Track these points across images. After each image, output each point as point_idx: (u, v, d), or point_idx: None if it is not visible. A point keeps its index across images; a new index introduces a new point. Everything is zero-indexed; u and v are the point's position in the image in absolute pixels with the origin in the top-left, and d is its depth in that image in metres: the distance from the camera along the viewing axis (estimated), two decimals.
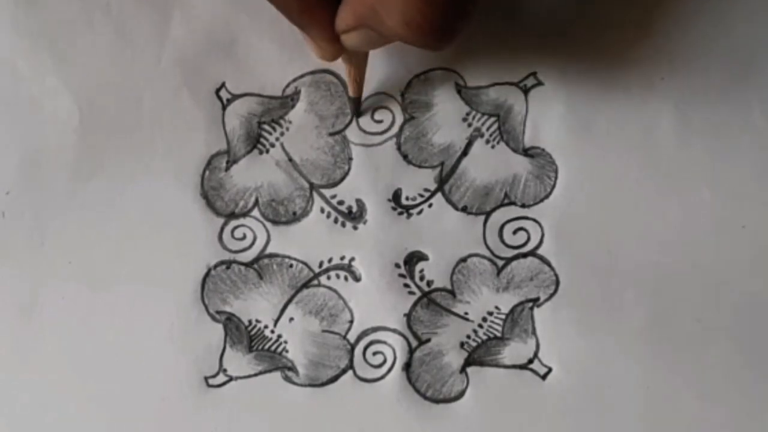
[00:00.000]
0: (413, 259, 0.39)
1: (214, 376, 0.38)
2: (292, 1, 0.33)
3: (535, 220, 0.39)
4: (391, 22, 0.31)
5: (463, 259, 0.39)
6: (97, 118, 0.39)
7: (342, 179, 0.39)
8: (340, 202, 0.39)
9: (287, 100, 0.39)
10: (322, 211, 0.39)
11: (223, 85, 0.39)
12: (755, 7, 0.39)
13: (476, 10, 0.32)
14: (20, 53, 0.39)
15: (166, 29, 0.39)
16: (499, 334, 0.39)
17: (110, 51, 0.39)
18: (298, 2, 0.33)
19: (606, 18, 0.39)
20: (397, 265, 0.39)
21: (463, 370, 0.38)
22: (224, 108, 0.39)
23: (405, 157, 0.39)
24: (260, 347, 0.39)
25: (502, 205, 0.39)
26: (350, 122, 0.39)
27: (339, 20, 0.33)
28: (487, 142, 0.39)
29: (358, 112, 0.39)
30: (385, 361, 0.38)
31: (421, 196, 0.39)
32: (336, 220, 0.39)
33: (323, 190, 0.39)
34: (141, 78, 0.39)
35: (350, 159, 0.39)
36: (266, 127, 0.39)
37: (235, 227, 0.39)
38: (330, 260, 0.39)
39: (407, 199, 0.39)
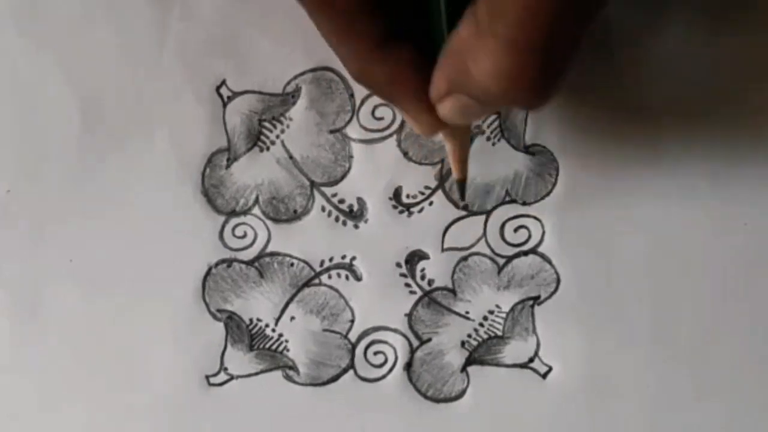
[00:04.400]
0: (414, 258, 0.39)
1: (215, 375, 0.38)
2: (380, 72, 0.32)
3: (536, 218, 0.39)
4: (482, 76, 0.29)
5: (464, 258, 0.39)
6: (97, 116, 0.39)
7: (343, 177, 0.39)
8: (341, 201, 0.39)
9: (288, 98, 0.39)
10: (323, 209, 0.39)
11: (223, 82, 0.39)
12: None
13: (573, 63, 0.29)
14: (20, 51, 0.39)
15: (166, 27, 0.39)
16: (499, 333, 0.39)
17: (110, 49, 0.39)
18: (386, 74, 0.32)
19: (607, 17, 0.38)
20: (398, 265, 0.39)
21: (463, 369, 0.38)
22: (225, 105, 0.39)
23: (405, 154, 0.39)
24: (261, 346, 0.39)
25: (503, 202, 0.39)
26: (351, 120, 0.39)
27: (432, 88, 0.32)
28: (488, 139, 0.39)
29: (464, 196, 0.38)
30: (386, 360, 0.38)
31: (422, 193, 0.39)
32: (337, 219, 0.39)
33: (324, 188, 0.39)
34: (141, 76, 0.39)
35: (351, 157, 0.39)
36: (267, 124, 0.39)
37: (236, 225, 0.39)
38: (331, 259, 0.39)
39: (408, 197, 0.39)
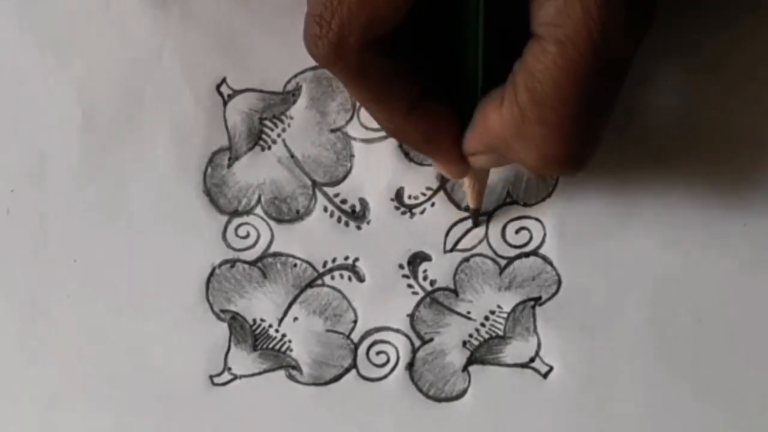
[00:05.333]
0: (416, 259, 0.39)
1: (218, 375, 0.39)
2: (415, 131, 0.33)
3: (537, 220, 0.39)
4: (529, 159, 0.31)
5: (466, 259, 0.39)
6: (99, 116, 0.39)
7: (344, 177, 0.39)
8: (343, 201, 0.39)
9: (288, 96, 0.39)
10: (326, 210, 0.39)
11: (224, 80, 0.39)
12: None
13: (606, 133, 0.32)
14: (22, 52, 0.39)
15: (166, 26, 0.39)
16: (501, 333, 0.39)
17: (111, 49, 0.39)
18: (421, 132, 0.33)
19: None
20: (401, 266, 0.39)
21: (465, 369, 0.39)
22: (225, 104, 0.39)
23: (407, 154, 0.39)
24: (264, 346, 0.39)
25: (504, 204, 0.39)
26: (351, 119, 0.39)
27: (467, 145, 0.34)
28: None
29: (478, 223, 0.39)
30: (388, 360, 0.39)
31: (424, 194, 0.39)
32: (339, 220, 0.39)
33: (326, 188, 0.39)
34: (142, 75, 0.39)
35: (352, 156, 0.39)
36: (268, 123, 0.39)
37: (239, 225, 0.39)
38: (334, 260, 0.39)
39: (410, 197, 0.39)
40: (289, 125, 0.39)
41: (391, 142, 0.39)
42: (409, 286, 0.39)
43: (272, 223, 0.39)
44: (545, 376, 0.39)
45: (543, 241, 0.39)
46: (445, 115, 0.34)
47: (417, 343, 0.39)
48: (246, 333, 0.39)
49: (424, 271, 0.39)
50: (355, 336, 0.39)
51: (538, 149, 0.31)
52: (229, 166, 0.39)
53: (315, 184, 0.39)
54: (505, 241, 0.39)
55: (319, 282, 0.39)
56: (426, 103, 0.33)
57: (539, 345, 0.39)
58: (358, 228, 0.39)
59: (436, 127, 0.33)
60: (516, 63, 0.31)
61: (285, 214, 0.39)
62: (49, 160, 0.39)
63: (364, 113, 0.39)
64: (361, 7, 0.30)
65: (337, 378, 0.39)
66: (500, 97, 0.31)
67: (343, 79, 0.32)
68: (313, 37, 0.31)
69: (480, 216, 0.39)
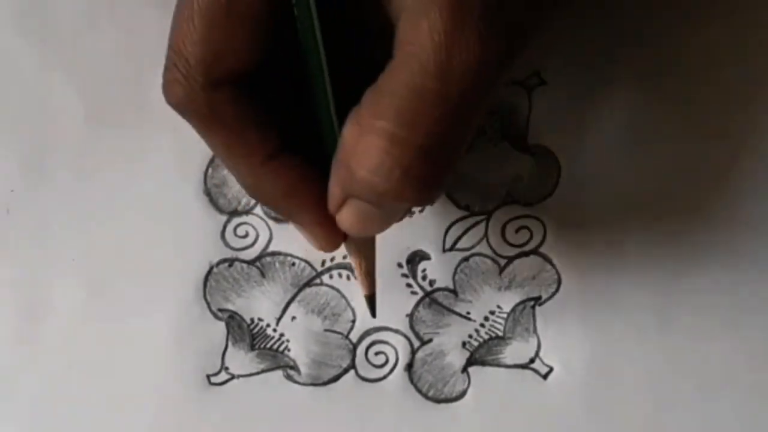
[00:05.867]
0: (416, 258, 0.39)
1: (216, 374, 0.39)
2: (273, 186, 0.31)
3: (537, 219, 0.39)
4: (365, 173, 0.28)
5: (465, 259, 0.39)
6: (100, 116, 0.39)
7: None
8: None
9: None
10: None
11: None
12: None
13: (458, 161, 0.29)
14: (24, 51, 0.39)
15: (169, 27, 0.39)
16: (500, 334, 0.39)
17: (114, 49, 0.39)
18: (280, 187, 0.31)
19: (609, 18, 0.38)
20: (400, 265, 0.39)
21: (464, 369, 0.38)
22: None
23: None
24: (262, 346, 0.39)
25: (504, 203, 0.39)
26: None
27: (329, 198, 0.31)
28: (490, 140, 0.39)
29: (374, 312, 0.36)
30: (387, 361, 0.38)
31: None
32: None
33: None
34: (145, 76, 0.39)
35: None
36: None
37: (238, 225, 0.39)
38: (332, 259, 0.39)
39: None
40: None
41: None
42: (408, 285, 0.39)
43: (271, 222, 0.39)
44: (545, 377, 0.38)
45: (543, 241, 0.39)
46: (307, 171, 0.31)
47: (416, 343, 0.39)
48: (244, 332, 0.39)
49: (423, 270, 0.39)
50: (354, 336, 0.39)
51: (372, 162, 0.28)
52: None
53: None
54: (505, 240, 0.39)
55: (318, 281, 0.39)
56: (285, 156, 0.31)
57: (539, 346, 0.38)
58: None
59: (296, 182, 0.31)
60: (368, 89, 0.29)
61: None
62: (49, 160, 0.39)
63: None
64: (204, 44, 0.29)
65: (335, 378, 0.38)
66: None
67: (196, 125, 0.30)
68: (166, 83, 0.30)
69: (374, 305, 0.36)
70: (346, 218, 0.31)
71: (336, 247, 0.33)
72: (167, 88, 0.30)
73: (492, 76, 0.28)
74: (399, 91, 0.27)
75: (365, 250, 0.34)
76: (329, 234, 0.32)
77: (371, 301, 0.35)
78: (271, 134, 0.31)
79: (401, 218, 0.37)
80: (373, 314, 0.36)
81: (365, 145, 0.28)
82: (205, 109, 0.30)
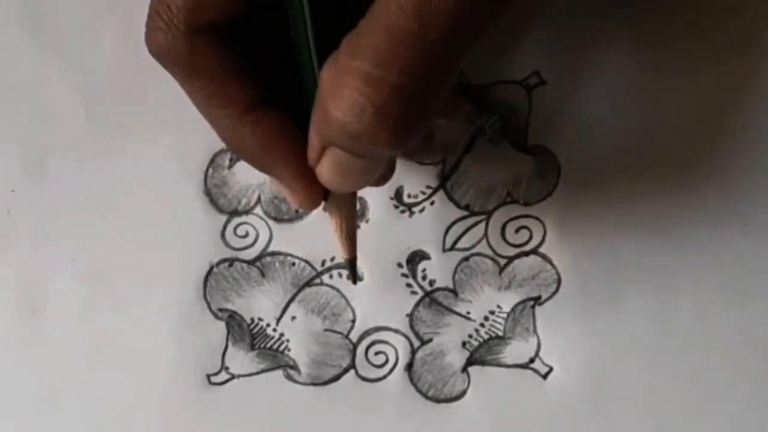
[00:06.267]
0: (416, 258, 0.39)
1: (216, 374, 0.39)
2: (252, 138, 0.30)
3: (537, 219, 0.39)
4: (340, 114, 0.27)
5: (465, 258, 0.39)
6: (101, 117, 0.39)
7: None
8: None
9: None
10: (325, 209, 0.39)
11: None
12: None
13: (434, 112, 0.28)
14: (26, 51, 0.39)
15: None
16: (500, 334, 0.39)
17: (115, 49, 0.39)
18: (258, 139, 0.30)
19: (609, 17, 0.38)
20: (400, 265, 0.39)
21: (464, 369, 0.38)
22: None
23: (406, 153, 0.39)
24: (262, 345, 0.39)
25: (504, 203, 0.39)
26: None
27: (308, 150, 0.30)
28: (490, 139, 0.39)
29: (355, 278, 0.35)
30: (387, 360, 0.38)
31: (423, 193, 0.39)
32: None
33: None
34: (145, 76, 0.39)
35: None
36: None
37: (238, 225, 0.39)
38: (332, 259, 0.39)
39: (409, 196, 0.39)
40: None
41: None
42: (408, 285, 0.39)
43: (271, 222, 0.39)
44: (545, 377, 0.38)
45: (543, 240, 0.39)
46: (285, 124, 0.30)
47: (416, 343, 0.39)
48: (244, 332, 0.39)
49: (423, 270, 0.39)
50: (354, 336, 0.39)
51: (350, 99, 0.27)
52: (230, 166, 0.39)
53: None
54: (505, 240, 0.39)
55: (318, 281, 0.39)
56: (264, 109, 0.30)
57: (539, 345, 0.38)
58: (357, 227, 0.39)
59: (275, 135, 0.30)
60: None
61: (284, 213, 0.39)
62: (49, 160, 0.39)
63: None
64: None
65: (335, 378, 0.38)
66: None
67: (177, 74, 0.30)
68: (148, 32, 0.30)
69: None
70: (325, 170, 0.30)
71: (316, 204, 0.32)
72: (149, 36, 0.30)
73: (472, 22, 0.27)
74: (376, 31, 0.27)
75: (346, 210, 0.33)
76: (309, 189, 0.31)
77: (352, 264, 0.34)
78: (251, 85, 0.30)
79: (383, 176, 0.35)
80: (354, 280, 0.36)
81: (340, 85, 0.27)
82: (186, 56, 0.29)
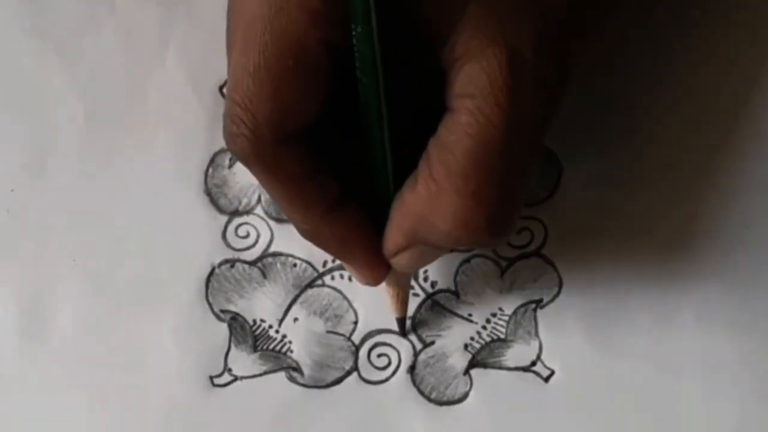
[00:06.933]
0: None
1: (218, 376, 0.39)
2: (331, 234, 0.32)
3: (539, 221, 0.39)
4: (448, 230, 0.30)
5: (467, 260, 0.39)
6: (101, 116, 0.39)
7: None
8: None
9: None
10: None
11: (227, 81, 0.39)
12: None
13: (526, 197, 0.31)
14: (25, 51, 0.39)
15: (170, 26, 0.39)
16: (502, 336, 0.39)
17: (115, 49, 0.39)
18: (338, 235, 0.32)
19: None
20: None
21: (466, 372, 0.39)
22: None
23: None
24: (265, 347, 0.39)
25: None
26: None
27: (387, 243, 0.33)
28: None
29: (404, 333, 0.38)
30: (389, 363, 0.39)
31: None
32: None
33: None
34: (145, 76, 0.39)
35: None
36: None
37: (239, 225, 0.39)
38: (334, 260, 0.39)
39: None
40: None
41: None
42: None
43: (272, 222, 0.39)
44: (547, 380, 0.38)
45: (544, 242, 0.39)
46: (364, 217, 0.33)
47: (419, 346, 0.39)
48: (246, 333, 0.39)
49: (425, 272, 0.39)
50: (356, 338, 0.39)
51: (455, 219, 0.30)
52: (230, 166, 0.39)
53: None
54: (507, 241, 0.39)
55: (320, 282, 0.39)
56: (344, 205, 0.32)
57: (541, 348, 0.38)
58: None
59: (353, 230, 0.32)
60: (430, 140, 0.30)
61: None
62: (49, 160, 0.39)
63: None
64: (272, 101, 0.29)
65: (338, 380, 0.39)
66: (414, 177, 0.31)
67: (262, 177, 0.31)
68: (231, 135, 0.30)
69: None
70: (404, 260, 0.33)
71: (382, 281, 0.35)
72: (233, 141, 0.30)
73: (549, 116, 0.30)
74: (469, 146, 0.29)
75: (403, 281, 0.36)
76: (377, 272, 0.34)
77: (402, 322, 0.38)
78: (332, 186, 0.32)
79: None
80: (403, 334, 0.38)
81: (446, 203, 0.30)
82: (272, 163, 0.30)
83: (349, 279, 0.39)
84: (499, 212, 0.30)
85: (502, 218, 0.30)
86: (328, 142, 0.32)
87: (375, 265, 0.34)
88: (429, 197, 0.30)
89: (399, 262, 0.33)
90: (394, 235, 0.32)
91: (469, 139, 0.29)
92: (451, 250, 0.38)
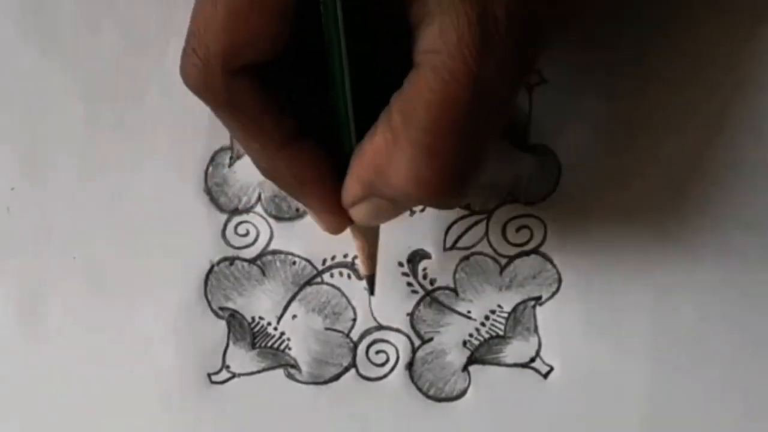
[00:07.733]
0: (416, 257, 0.39)
1: (217, 373, 0.39)
2: (287, 171, 0.32)
3: (538, 218, 0.39)
4: (401, 183, 0.30)
5: (466, 258, 0.39)
6: (101, 115, 0.39)
7: None
8: None
9: None
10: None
11: None
12: None
13: (487, 163, 0.31)
14: (25, 51, 0.39)
15: (171, 24, 0.39)
16: (501, 333, 0.39)
17: (115, 48, 0.39)
18: (293, 173, 0.32)
19: (610, 16, 0.38)
20: (400, 264, 0.39)
21: (465, 368, 0.38)
22: None
23: None
24: (263, 344, 0.39)
25: (505, 202, 0.39)
26: None
27: (346, 193, 0.32)
28: None
29: (373, 290, 0.38)
30: (387, 359, 0.39)
31: None
32: None
33: None
34: (145, 75, 0.39)
35: None
36: None
37: (239, 223, 0.39)
38: (333, 258, 0.39)
39: None
40: None
41: None
42: (409, 284, 0.39)
43: (272, 220, 0.39)
44: (545, 376, 0.38)
45: (544, 240, 0.39)
46: (322, 157, 0.32)
47: (417, 342, 0.39)
48: (245, 331, 0.39)
49: (424, 269, 0.39)
50: (355, 334, 0.39)
51: (409, 172, 0.29)
52: (230, 165, 0.39)
53: None
54: (506, 239, 0.39)
55: (318, 279, 0.39)
56: (300, 142, 0.31)
57: (540, 345, 0.38)
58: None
59: (309, 168, 0.32)
60: (394, 94, 0.30)
61: (285, 212, 0.39)
62: (50, 158, 0.39)
63: None
64: (224, 33, 0.29)
65: (336, 377, 0.39)
66: (374, 128, 0.30)
67: (214, 109, 0.31)
68: (183, 66, 0.30)
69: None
70: (362, 212, 0.32)
71: (341, 231, 0.34)
72: (185, 71, 0.30)
73: (516, 81, 0.29)
74: (431, 100, 0.28)
75: (370, 236, 0.36)
76: (338, 220, 0.33)
77: (371, 280, 0.37)
78: (287, 121, 0.31)
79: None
80: (372, 292, 0.38)
81: (401, 154, 0.29)
82: (222, 94, 0.30)
83: (348, 277, 0.39)
84: (454, 170, 0.29)
85: (455, 177, 0.29)
86: (290, 81, 0.31)
87: (335, 212, 0.33)
88: (386, 147, 0.29)
89: (357, 213, 0.33)
90: (352, 185, 0.31)
91: (431, 94, 0.28)
92: (411, 213, 0.38)
